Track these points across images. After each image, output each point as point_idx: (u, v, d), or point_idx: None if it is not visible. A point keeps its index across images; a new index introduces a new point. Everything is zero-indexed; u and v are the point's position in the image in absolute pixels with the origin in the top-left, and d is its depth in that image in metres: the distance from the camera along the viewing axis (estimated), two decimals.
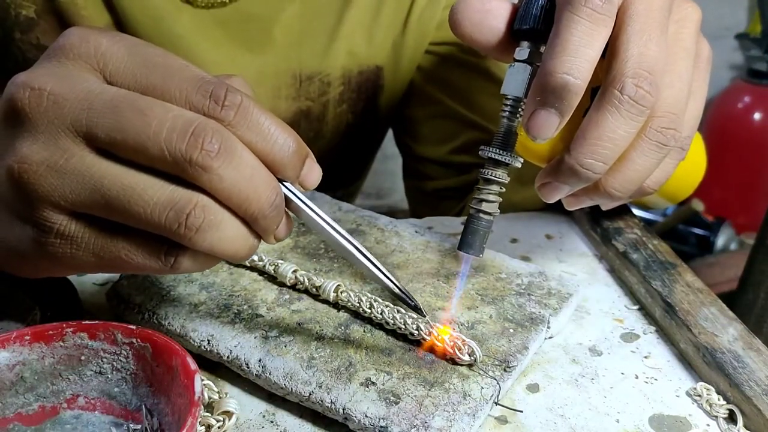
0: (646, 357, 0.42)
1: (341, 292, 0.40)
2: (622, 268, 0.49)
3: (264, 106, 0.30)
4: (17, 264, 0.33)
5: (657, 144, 0.34)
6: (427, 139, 0.69)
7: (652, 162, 0.35)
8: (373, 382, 0.35)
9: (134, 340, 0.33)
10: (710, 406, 0.37)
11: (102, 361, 0.33)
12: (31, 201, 0.29)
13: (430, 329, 0.37)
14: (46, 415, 0.33)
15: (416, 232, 0.49)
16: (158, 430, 0.32)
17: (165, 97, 0.29)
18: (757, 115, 1.81)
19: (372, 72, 0.64)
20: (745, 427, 0.36)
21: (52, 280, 0.41)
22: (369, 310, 0.39)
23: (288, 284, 0.42)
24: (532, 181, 0.37)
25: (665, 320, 0.43)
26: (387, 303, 0.39)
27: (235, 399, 0.37)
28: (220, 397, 0.37)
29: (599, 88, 0.33)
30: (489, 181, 0.36)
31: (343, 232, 0.33)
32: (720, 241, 1.60)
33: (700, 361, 0.40)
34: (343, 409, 0.34)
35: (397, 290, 0.35)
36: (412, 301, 0.35)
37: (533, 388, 0.39)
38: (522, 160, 0.36)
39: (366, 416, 0.34)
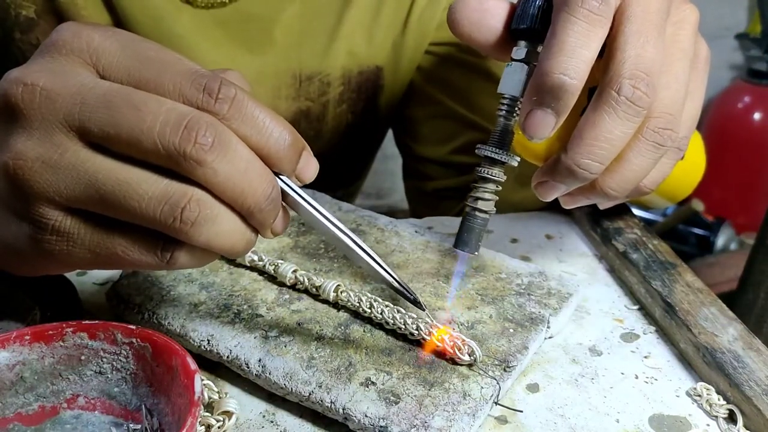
0: (646, 357, 0.42)
1: (341, 292, 0.40)
2: (622, 268, 0.49)
3: (260, 100, 0.30)
4: (14, 262, 0.32)
5: (654, 144, 0.34)
6: (427, 139, 0.69)
7: (648, 162, 0.35)
8: (373, 382, 0.35)
9: (134, 340, 0.33)
10: (710, 406, 0.37)
11: (102, 361, 0.33)
12: (27, 197, 0.29)
13: (430, 329, 0.37)
14: (46, 415, 0.33)
15: (416, 232, 0.49)
16: (158, 430, 0.32)
17: (158, 91, 0.29)
18: (757, 115, 1.81)
19: (372, 72, 0.64)
20: (745, 427, 0.36)
21: (51, 279, 0.41)
22: (369, 310, 0.39)
23: (288, 284, 0.42)
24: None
25: (665, 320, 0.43)
26: (387, 303, 0.39)
27: (235, 399, 0.37)
28: (220, 397, 0.37)
29: (596, 89, 0.33)
30: (485, 179, 0.36)
31: (341, 225, 0.33)
32: (720, 241, 1.60)
33: (700, 361, 0.40)
34: (343, 409, 0.34)
35: (395, 283, 0.35)
36: (411, 294, 0.35)
37: (533, 388, 0.39)
38: (518, 159, 0.36)
39: (366, 416, 0.34)
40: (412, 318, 0.37)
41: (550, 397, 0.38)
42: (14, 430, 0.33)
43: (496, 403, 0.36)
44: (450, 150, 0.67)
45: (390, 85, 0.66)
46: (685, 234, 1.61)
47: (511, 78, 0.35)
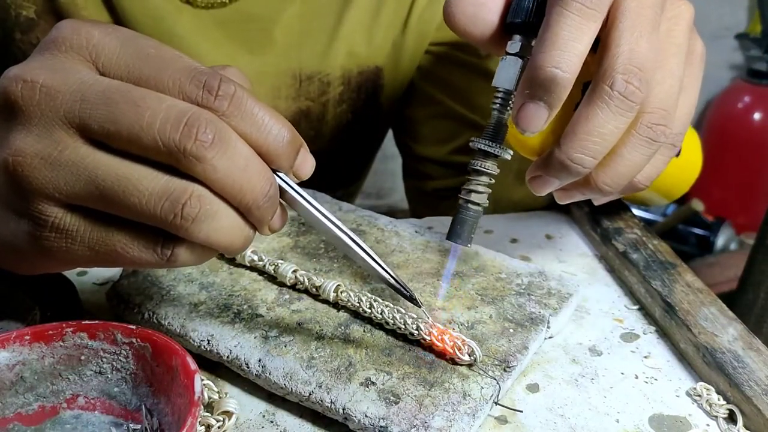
0: (646, 357, 0.42)
1: (341, 292, 0.40)
2: (622, 268, 0.49)
3: (259, 98, 0.30)
4: (13, 260, 0.32)
5: (647, 140, 0.34)
6: (427, 139, 0.69)
7: (642, 158, 0.35)
8: (373, 382, 0.35)
9: (134, 340, 0.33)
10: (710, 406, 0.37)
11: (102, 361, 0.33)
12: (26, 194, 0.29)
13: (430, 329, 0.37)
14: (46, 415, 0.33)
15: (416, 232, 0.49)
16: (158, 430, 0.32)
17: (158, 88, 0.29)
18: (757, 115, 1.81)
19: (372, 72, 0.64)
20: (745, 427, 0.36)
21: (51, 279, 0.41)
22: (369, 310, 0.39)
23: (288, 284, 0.42)
24: None
25: (665, 320, 0.43)
26: (387, 303, 0.39)
27: (235, 399, 0.37)
28: (220, 397, 0.37)
29: (590, 83, 0.33)
30: (478, 172, 0.36)
31: (338, 222, 0.33)
32: (720, 241, 1.60)
33: (700, 361, 0.40)
34: (343, 409, 0.34)
35: (391, 279, 0.35)
36: (407, 291, 0.35)
37: (533, 388, 0.39)
38: (512, 153, 0.36)
39: (366, 416, 0.34)
40: (412, 318, 0.37)
41: (550, 397, 0.38)
42: (14, 430, 0.33)
43: (496, 403, 0.36)
44: (450, 150, 0.67)
45: (390, 85, 0.66)
46: (685, 234, 1.61)
47: (506, 72, 0.35)
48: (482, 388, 0.35)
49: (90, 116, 0.28)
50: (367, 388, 0.35)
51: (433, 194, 0.71)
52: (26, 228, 0.30)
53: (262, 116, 0.30)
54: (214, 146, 0.28)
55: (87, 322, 0.33)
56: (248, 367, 0.37)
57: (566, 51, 0.31)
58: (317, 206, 0.32)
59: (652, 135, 0.34)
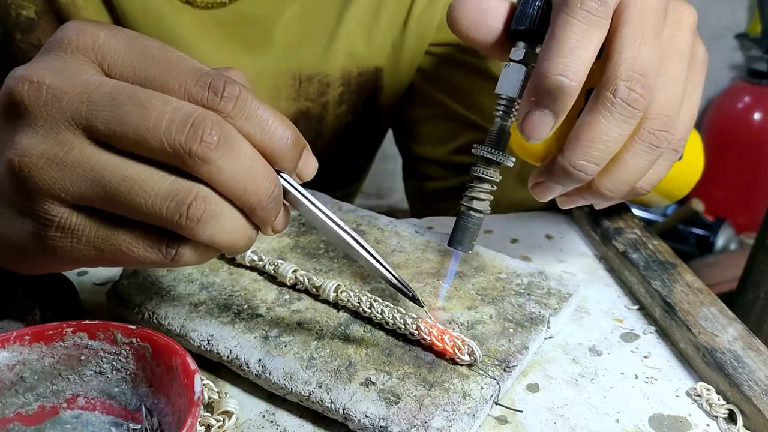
0: (646, 357, 0.42)
1: (341, 292, 0.40)
2: (622, 268, 0.49)
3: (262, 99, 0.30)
4: (16, 260, 0.32)
5: (650, 146, 0.34)
6: (427, 139, 0.69)
7: (644, 164, 0.35)
8: (373, 382, 0.35)
9: (134, 340, 0.33)
10: (710, 406, 0.37)
11: (102, 361, 0.33)
12: (32, 194, 0.29)
13: (430, 329, 0.37)
14: (46, 415, 0.33)
15: (416, 232, 0.49)
16: (158, 430, 0.32)
17: (164, 89, 0.29)
18: (757, 115, 1.81)
19: (371, 73, 0.64)
20: (745, 427, 0.36)
21: (51, 279, 0.41)
22: (369, 310, 0.39)
23: (288, 284, 0.42)
24: None
25: (665, 320, 0.43)
26: (387, 303, 0.39)
27: (235, 399, 0.37)
28: (220, 397, 0.37)
29: (593, 90, 0.33)
30: (481, 180, 0.36)
31: (341, 223, 0.33)
32: (720, 241, 1.60)
33: (700, 361, 0.40)
34: (343, 409, 0.34)
35: (393, 280, 0.35)
36: (409, 291, 0.35)
37: (533, 388, 0.39)
38: (514, 160, 0.36)
39: (366, 416, 0.34)
40: (412, 318, 0.37)
41: (550, 397, 0.38)
42: (14, 430, 0.33)
43: (496, 403, 0.36)
44: (450, 150, 0.67)
45: (390, 86, 0.66)
46: (685, 234, 1.61)
47: (509, 79, 0.35)
48: (482, 388, 0.35)
49: (96, 117, 0.28)
50: (367, 388, 0.35)
51: (433, 194, 0.71)
52: (31, 228, 0.30)
53: (267, 118, 0.30)
54: (219, 148, 0.28)
55: (87, 322, 0.33)
56: (248, 367, 0.37)
57: (572, 59, 0.31)
58: (320, 207, 0.33)
59: (654, 141, 0.34)
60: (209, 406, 0.37)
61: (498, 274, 0.44)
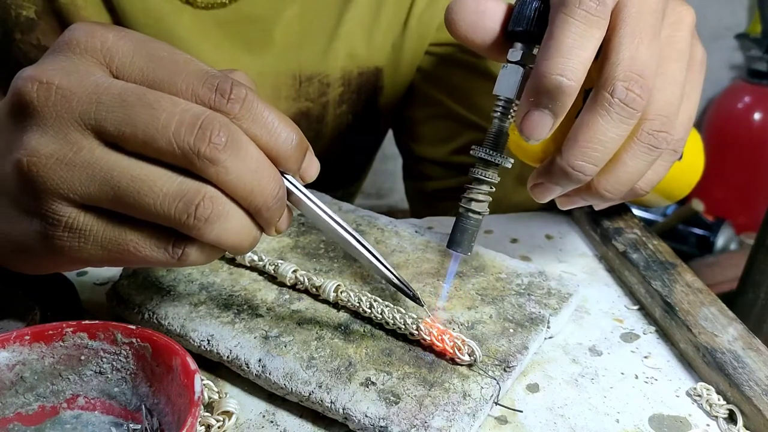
0: (646, 357, 0.42)
1: (341, 292, 0.40)
2: (622, 268, 0.49)
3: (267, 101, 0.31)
4: (22, 260, 0.33)
5: (648, 146, 0.34)
6: (427, 139, 0.69)
7: (643, 164, 0.35)
8: (373, 382, 0.35)
9: (134, 340, 0.33)
10: (710, 406, 0.37)
11: (102, 361, 0.33)
12: (40, 194, 0.29)
13: (430, 329, 0.37)
14: (46, 415, 0.33)
15: (416, 232, 0.49)
16: (158, 430, 0.32)
17: (172, 91, 0.29)
18: (757, 115, 1.81)
19: (372, 73, 0.64)
20: (745, 427, 0.36)
21: (52, 279, 0.41)
22: (369, 310, 0.39)
23: (288, 284, 0.42)
24: None
25: (665, 320, 0.43)
26: (387, 303, 0.39)
27: (235, 399, 0.37)
28: (220, 397, 0.37)
29: (592, 90, 0.33)
30: (479, 181, 0.36)
31: (343, 223, 0.34)
32: (720, 241, 1.60)
33: (700, 361, 0.40)
34: (343, 409, 0.34)
35: (395, 280, 0.35)
36: (411, 291, 0.36)
37: (533, 388, 0.39)
38: (512, 161, 0.36)
39: (366, 416, 0.34)
40: (413, 318, 0.37)
41: (550, 397, 0.38)
42: (14, 430, 0.33)
43: (496, 403, 0.36)
44: (450, 150, 0.67)
45: (390, 86, 0.66)
46: (685, 234, 1.61)
47: (507, 80, 0.35)
48: (482, 388, 0.35)
49: (105, 118, 0.28)
50: (367, 388, 0.35)
51: (433, 195, 0.71)
52: (38, 228, 0.30)
53: (272, 120, 0.30)
54: (227, 149, 0.28)
55: (87, 322, 0.33)
56: (248, 367, 0.37)
57: (571, 58, 0.31)
58: (323, 207, 0.33)
59: (653, 142, 0.34)
60: (209, 406, 0.37)
61: (498, 274, 0.44)
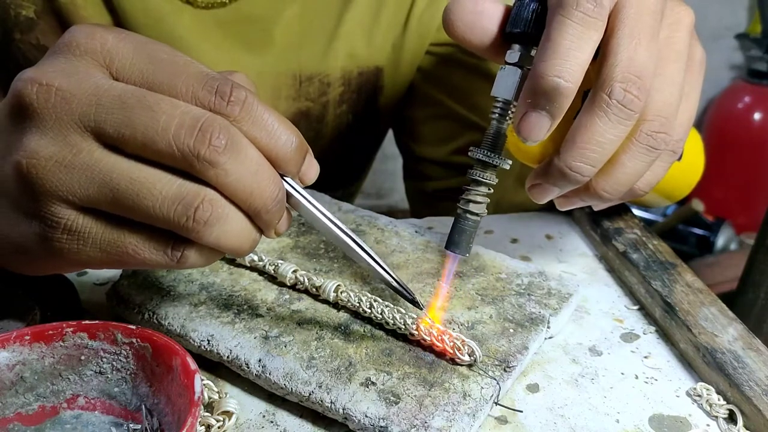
0: (646, 357, 0.42)
1: (341, 292, 0.40)
2: (622, 268, 0.49)
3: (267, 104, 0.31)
4: (21, 261, 0.33)
5: (647, 147, 0.34)
6: (428, 139, 0.69)
7: (642, 165, 0.35)
8: (373, 382, 0.35)
9: (134, 340, 0.33)
10: (710, 406, 0.37)
11: (102, 361, 0.33)
12: (39, 196, 0.29)
13: (430, 329, 0.37)
14: (46, 415, 0.33)
15: (416, 232, 0.49)
16: (158, 430, 0.32)
17: (172, 93, 0.29)
18: (757, 115, 1.81)
19: (372, 73, 0.64)
20: (745, 427, 0.36)
21: (51, 279, 0.41)
22: (369, 310, 0.39)
23: (288, 284, 0.42)
24: None
25: (665, 320, 0.43)
26: (387, 303, 0.39)
27: (235, 399, 0.37)
28: (220, 397, 0.37)
29: (590, 91, 0.33)
30: (477, 183, 0.36)
31: (343, 226, 0.34)
32: (720, 241, 1.60)
33: (700, 361, 0.40)
34: (343, 409, 0.34)
35: (394, 283, 0.35)
36: (410, 294, 0.36)
37: (533, 388, 0.39)
38: (510, 162, 0.36)
39: (366, 416, 0.34)
40: (413, 318, 0.37)
41: (550, 397, 0.38)
42: (14, 430, 0.33)
43: (496, 403, 0.36)
44: (450, 150, 0.67)
45: (390, 86, 0.66)
46: (685, 234, 1.61)
47: (505, 81, 0.35)
48: (482, 388, 0.35)
49: (105, 120, 0.28)
50: (367, 388, 0.35)
51: (434, 195, 0.71)
52: (37, 230, 0.30)
53: (272, 122, 0.30)
54: (226, 151, 0.28)
55: (87, 322, 0.33)
56: (248, 367, 0.37)
57: (568, 60, 0.31)
58: (323, 210, 0.33)
59: (652, 143, 0.34)
60: (209, 406, 0.37)
61: (498, 274, 0.44)
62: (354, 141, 0.69)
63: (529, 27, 0.34)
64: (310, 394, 0.35)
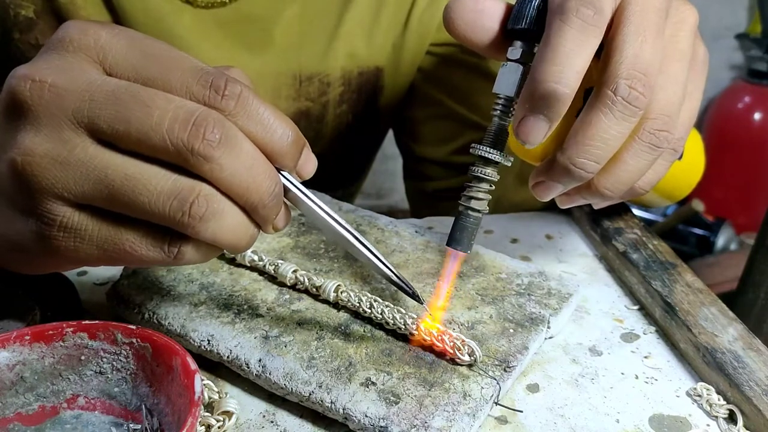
0: (646, 357, 0.42)
1: (341, 292, 0.40)
2: (622, 268, 0.49)
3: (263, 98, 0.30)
4: (19, 260, 0.32)
5: (649, 145, 0.34)
6: (428, 139, 0.69)
7: (644, 163, 0.35)
8: (373, 382, 0.35)
9: (134, 340, 0.33)
10: (710, 406, 0.37)
11: (102, 361, 0.33)
12: (34, 194, 0.29)
13: (430, 330, 0.37)
14: (46, 415, 0.33)
15: (416, 232, 0.49)
16: (158, 430, 0.32)
17: (166, 88, 0.29)
18: (757, 115, 1.81)
19: (372, 73, 0.64)
20: (745, 427, 0.36)
21: (51, 279, 0.41)
22: (369, 310, 0.39)
23: (288, 284, 0.42)
24: None
25: (665, 320, 0.43)
26: (387, 303, 0.39)
27: (235, 399, 0.37)
28: (220, 397, 0.37)
29: (592, 89, 0.33)
30: (479, 179, 0.36)
31: (341, 220, 0.33)
32: (720, 241, 1.60)
33: (700, 361, 0.40)
34: (343, 409, 0.34)
35: (394, 277, 0.35)
36: (410, 289, 0.36)
37: (533, 388, 0.39)
38: (512, 159, 0.36)
39: (366, 416, 0.34)
40: (413, 318, 0.37)
41: (550, 397, 0.38)
42: (14, 430, 0.33)
43: (496, 404, 0.36)
44: (450, 150, 0.67)
45: (390, 86, 0.66)
46: (685, 234, 1.61)
47: (507, 78, 0.35)
48: (482, 388, 0.35)
49: (99, 116, 0.28)
50: (367, 388, 0.35)
51: (434, 195, 0.71)
52: (34, 227, 0.30)
53: (268, 116, 0.30)
54: (221, 146, 0.28)
55: (87, 322, 0.33)
56: (248, 367, 0.37)
57: (566, 66, 0.31)
58: (321, 205, 0.33)
59: (654, 141, 0.34)
60: (209, 406, 0.37)
61: (498, 274, 0.44)
62: (354, 141, 0.69)
63: (531, 24, 0.34)
64: (310, 394, 0.35)
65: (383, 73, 0.64)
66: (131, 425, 0.33)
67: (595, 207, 0.43)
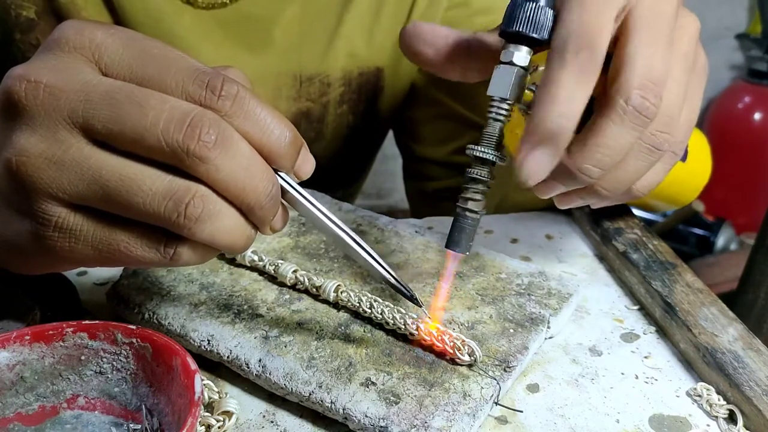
0: (646, 357, 0.42)
1: (341, 292, 0.40)
2: (622, 268, 0.49)
3: (261, 98, 0.30)
4: (16, 260, 0.32)
5: (650, 147, 0.34)
6: (428, 140, 0.69)
7: (643, 165, 0.35)
8: (373, 382, 0.35)
9: (134, 340, 0.33)
10: (710, 406, 0.37)
11: (102, 361, 0.33)
12: (30, 194, 0.29)
13: (430, 330, 0.37)
14: (46, 415, 0.33)
15: (416, 232, 0.49)
16: (158, 430, 0.32)
17: (161, 88, 0.29)
18: (757, 115, 1.81)
19: (372, 73, 0.64)
20: (745, 427, 0.36)
21: (51, 279, 0.41)
22: (369, 310, 0.39)
23: (288, 284, 0.42)
24: None
25: (665, 320, 0.43)
26: (387, 303, 0.39)
27: (235, 399, 0.37)
28: (220, 397, 0.37)
29: (593, 99, 0.33)
30: (475, 180, 0.36)
31: (339, 222, 0.33)
32: (720, 241, 1.60)
33: (700, 361, 0.40)
34: (343, 409, 0.34)
35: (392, 280, 0.35)
36: (408, 291, 0.35)
37: (533, 388, 0.39)
38: (507, 159, 0.36)
39: (366, 416, 0.34)
40: (413, 318, 0.37)
41: (550, 397, 0.38)
42: (14, 430, 0.33)
43: (496, 404, 0.36)
44: (450, 150, 0.67)
45: (390, 87, 0.66)
46: (685, 234, 1.61)
47: (501, 80, 0.35)
48: (482, 388, 0.35)
49: (94, 116, 0.28)
50: (367, 388, 0.35)
51: (434, 195, 0.71)
52: (30, 228, 0.30)
53: (264, 116, 0.30)
54: (217, 146, 0.28)
55: (87, 322, 0.33)
56: (248, 367, 0.37)
57: (568, 104, 0.32)
58: (318, 206, 0.33)
59: (655, 143, 0.34)
60: (209, 406, 0.37)
61: (498, 274, 0.44)
62: (354, 141, 0.69)
63: (524, 27, 0.34)
64: (310, 394, 0.35)
65: (383, 73, 0.64)
66: (131, 425, 0.33)
67: (593, 207, 0.43)
